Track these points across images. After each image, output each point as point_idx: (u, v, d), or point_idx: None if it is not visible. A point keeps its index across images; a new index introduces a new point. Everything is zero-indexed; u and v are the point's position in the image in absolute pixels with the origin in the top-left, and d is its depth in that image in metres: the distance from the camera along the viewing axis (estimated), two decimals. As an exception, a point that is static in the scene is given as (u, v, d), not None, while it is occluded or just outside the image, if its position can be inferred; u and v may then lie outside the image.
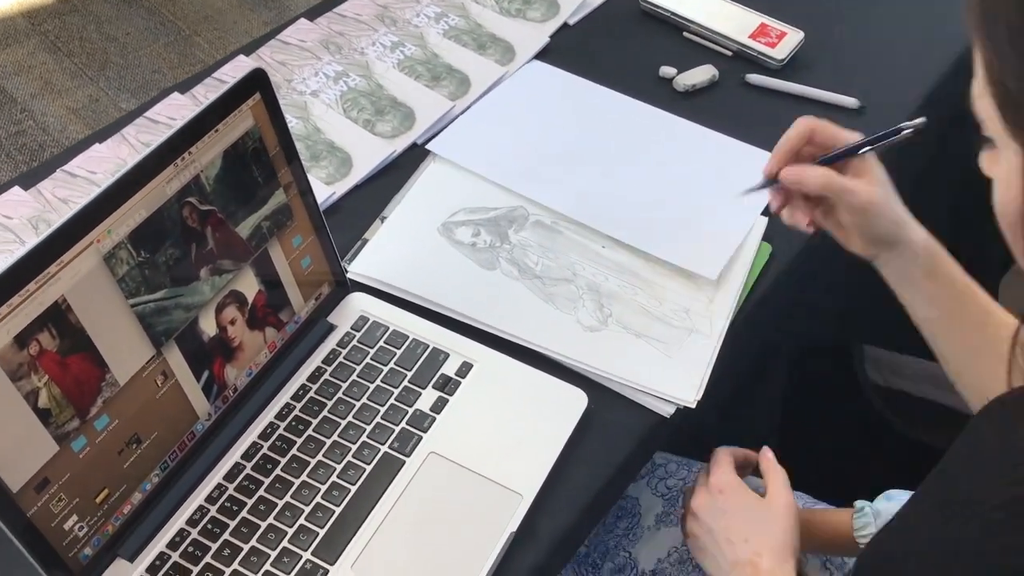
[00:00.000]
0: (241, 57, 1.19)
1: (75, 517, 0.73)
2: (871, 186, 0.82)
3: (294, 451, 0.84)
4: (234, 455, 0.83)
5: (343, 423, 0.86)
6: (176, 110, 1.13)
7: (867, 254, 0.86)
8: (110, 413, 0.74)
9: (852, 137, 0.83)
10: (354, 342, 0.91)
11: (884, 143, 0.83)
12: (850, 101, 1.16)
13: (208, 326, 0.81)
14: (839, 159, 0.83)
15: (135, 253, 0.72)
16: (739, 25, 1.25)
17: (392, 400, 0.88)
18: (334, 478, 0.82)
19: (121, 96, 2.43)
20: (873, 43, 1.21)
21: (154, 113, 1.12)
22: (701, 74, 1.20)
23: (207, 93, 1.15)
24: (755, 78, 1.20)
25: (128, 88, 2.45)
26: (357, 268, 0.97)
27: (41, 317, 0.67)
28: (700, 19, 1.25)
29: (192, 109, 1.12)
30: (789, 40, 1.23)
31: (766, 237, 1.02)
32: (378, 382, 0.89)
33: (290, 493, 0.81)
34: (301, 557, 0.78)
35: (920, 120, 0.82)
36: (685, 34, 1.26)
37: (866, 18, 1.29)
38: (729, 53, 1.24)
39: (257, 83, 0.80)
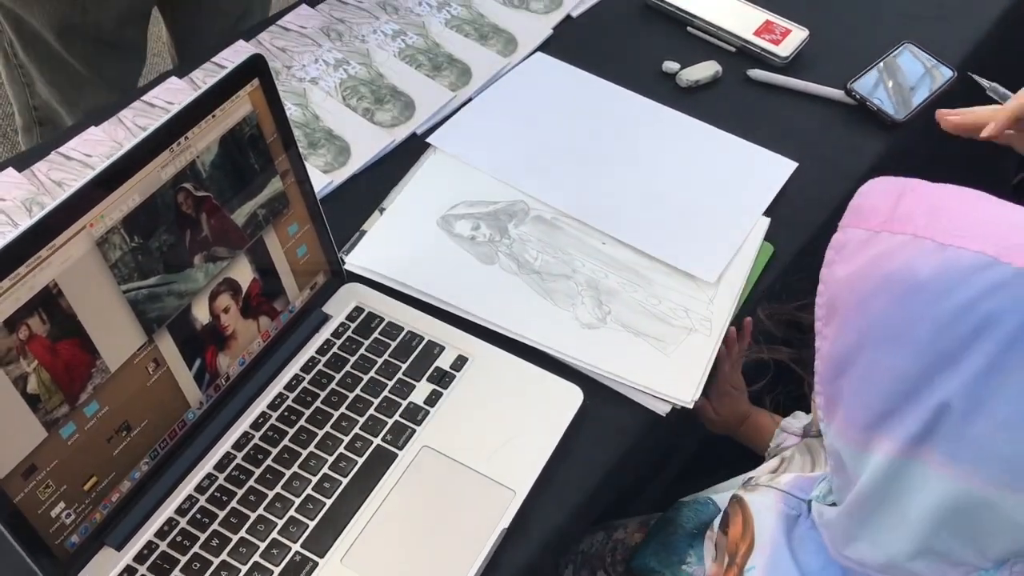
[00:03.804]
0: (240, 42, 1.18)
1: (62, 504, 0.72)
2: None
3: (285, 442, 0.83)
4: (225, 445, 0.83)
5: (336, 414, 0.85)
6: (174, 94, 1.11)
7: None
8: (100, 400, 0.73)
9: None
10: (348, 333, 0.90)
11: None
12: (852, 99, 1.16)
13: (201, 314, 0.80)
14: None
15: (128, 239, 0.71)
16: (744, 21, 1.24)
17: (386, 392, 0.87)
18: (325, 470, 0.81)
19: (119, 78, 2.41)
20: (878, 42, 1.20)
21: (151, 97, 1.11)
22: (704, 70, 1.19)
23: (205, 78, 1.13)
24: (757, 73, 1.19)
25: (127, 71, 2.42)
26: (355, 260, 0.96)
27: (31, 302, 0.66)
28: (704, 14, 1.24)
29: (190, 93, 1.11)
30: (793, 38, 1.22)
31: (768, 237, 1.01)
32: (372, 374, 0.88)
33: (280, 484, 0.80)
34: (290, 549, 0.77)
35: None
36: (689, 29, 1.25)
37: (871, 17, 1.28)
38: (733, 50, 1.23)
39: (256, 69, 0.79)
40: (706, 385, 0.89)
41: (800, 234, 1.03)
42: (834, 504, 0.69)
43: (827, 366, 0.63)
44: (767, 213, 1.04)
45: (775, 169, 1.09)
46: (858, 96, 1.15)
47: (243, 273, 0.83)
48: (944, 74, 1.18)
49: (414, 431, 0.84)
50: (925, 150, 1.24)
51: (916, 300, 0.57)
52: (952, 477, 0.58)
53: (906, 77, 1.18)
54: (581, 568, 1.02)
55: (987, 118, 0.92)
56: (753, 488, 0.80)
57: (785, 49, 1.20)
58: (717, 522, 0.84)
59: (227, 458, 0.82)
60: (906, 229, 0.59)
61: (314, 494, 0.80)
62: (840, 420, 0.63)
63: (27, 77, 1.37)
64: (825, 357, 0.62)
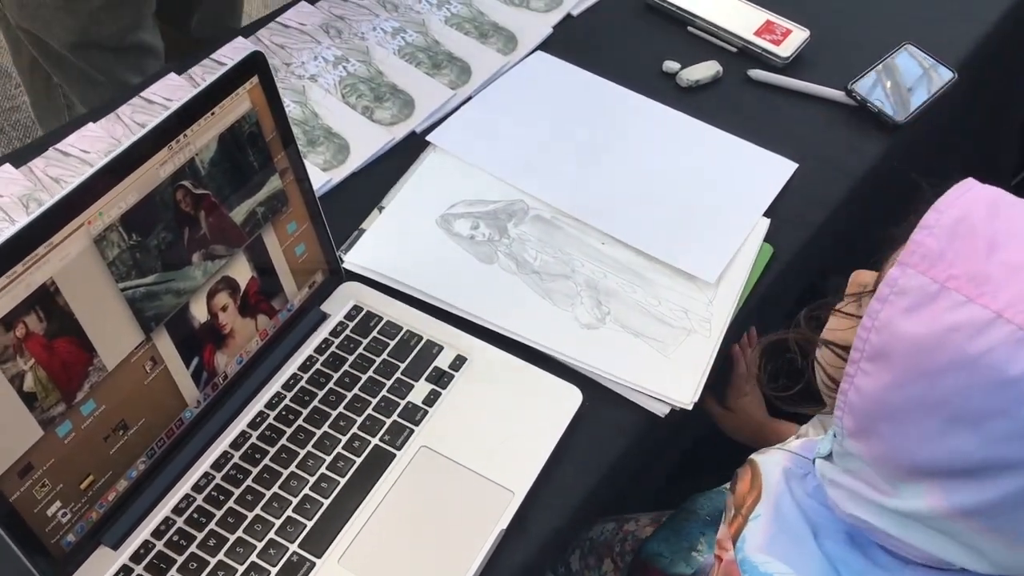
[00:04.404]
0: (239, 39, 1.18)
1: (58, 503, 0.72)
2: None
3: (283, 441, 0.83)
4: (222, 444, 0.82)
5: (333, 414, 0.85)
6: (172, 91, 1.11)
7: None
8: (97, 398, 0.72)
9: None
10: (347, 332, 0.90)
11: None
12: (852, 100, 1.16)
13: (199, 312, 0.79)
14: None
15: (126, 236, 0.71)
16: (744, 21, 1.23)
17: (384, 392, 0.86)
18: (323, 470, 0.81)
19: (117, 74, 2.40)
20: (879, 43, 1.20)
21: (150, 93, 1.10)
22: (705, 70, 1.18)
23: (204, 74, 1.13)
24: (758, 74, 1.19)
25: (124, 66, 2.42)
26: (354, 258, 0.96)
27: (28, 299, 0.65)
28: (705, 14, 1.24)
29: (188, 90, 1.11)
30: (794, 38, 1.21)
31: (768, 238, 1.01)
32: (370, 373, 0.88)
33: (278, 484, 0.80)
34: (288, 549, 0.77)
35: None
36: (690, 29, 1.25)
37: (872, 17, 1.28)
38: (734, 50, 1.22)
39: (255, 66, 0.78)
40: (717, 386, 0.89)
41: (800, 235, 1.03)
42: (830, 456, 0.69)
43: (865, 402, 0.60)
44: (767, 214, 1.04)
45: (775, 170, 1.09)
46: (859, 97, 1.15)
47: (241, 271, 0.82)
48: (944, 75, 1.18)
49: (412, 431, 0.84)
50: (926, 151, 1.24)
51: (1001, 396, 0.54)
52: (995, 540, 0.58)
53: (906, 78, 1.17)
54: (588, 555, 1.02)
55: None
56: (765, 451, 0.80)
57: (786, 49, 1.20)
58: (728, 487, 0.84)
59: (224, 457, 0.81)
60: (989, 304, 0.54)
61: (312, 494, 0.80)
62: (872, 449, 0.61)
63: (67, 99, 1.38)
64: (864, 394, 0.60)
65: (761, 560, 0.68)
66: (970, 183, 0.61)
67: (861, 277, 0.69)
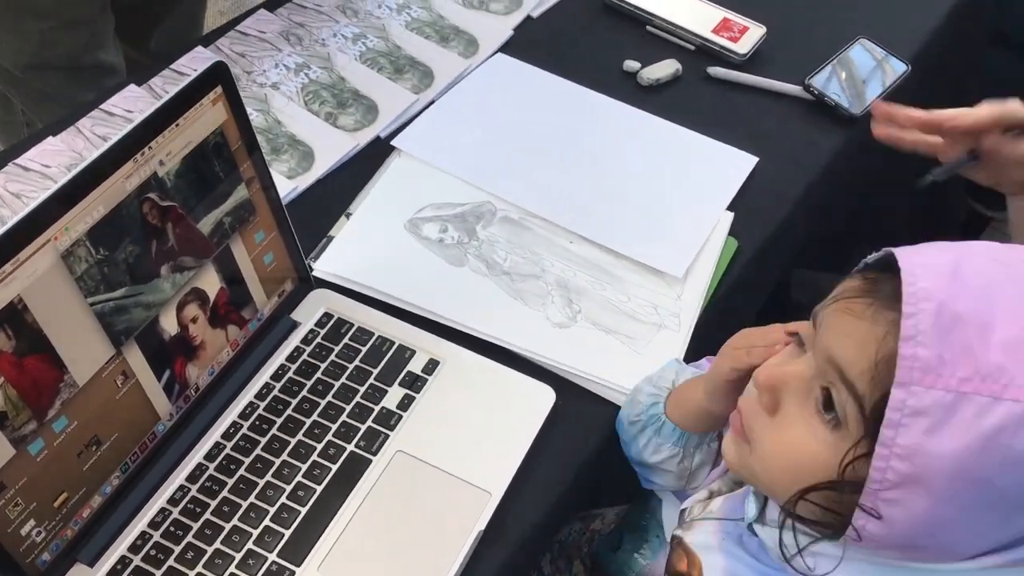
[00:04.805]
0: (199, 48, 1.17)
1: (32, 522, 0.71)
2: None
3: (258, 451, 0.82)
4: (197, 456, 0.82)
5: (308, 422, 0.85)
6: (132, 102, 1.10)
7: (1012, 192, 0.88)
8: (69, 415, 0.72)
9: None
10: (318, 339, 0.90)
11: None
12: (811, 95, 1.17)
13: (169, 324, 0.79)
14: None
15: (94, 251, 0.70)
16: (702, 19, 1.25)
17: (358, 398, 0.86)
18: (299, 478, 0.81)
19: (72, 86, 2.37)
20: (835, 37, 1.22)
21: (110, 105, 1.09)
22: (664, 68, 1.19)
23: (165, 85, 1.12)
24: (717, 71, 1.20)
25: (79, 78, 2.39)
26: (323, 266, 0.96)
27: (-4, 317, 0.65)
28: (663, 13, 1.25)
29: (149, 101, 1.10)
30: (751, 35, 1.23)
31: (732, 232, 1.02)
32: (343, 380, 0.88)
33: (254, 494, 0.80)
34: (267, 559, 0.77)
35: None
36: (648, 28, 1.26)
37: (828, 13, 1.30)
38: (692, 48, 1.24)
39: (218, 76, 0.78)
40: None
41: (762, 228, 1.05)
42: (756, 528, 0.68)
43: (897, 529, 0.56)
44: (730, 208, 1.05)
45: (737, 164, 1.10)
46: (816, 91, 1.17)
47: (210, 282, 0.82)
48: (897, 68, 1.20)
49: (388, 436, 0.84)
50: (883, 143, 1.26)
51: None
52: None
53: (861, 71, 1.20)
54: (558, 557, 1.02)
55: (964, 115, 0.84)
56: (689, 526, 0.77)
57: (743, 46, 1.22)
58: (662, 566, 0.81)
59: (199, 469, 0.81)
60: (1019, 395, 0.52)
61: (289, 503, 0.80)
62: (906, 555, 0.59)
63: (27, 116, 1.36)
64: (895, 522, 0.56)
65: None
66: (907, 261, 0.56)
67: (748, 339, 0.68)
